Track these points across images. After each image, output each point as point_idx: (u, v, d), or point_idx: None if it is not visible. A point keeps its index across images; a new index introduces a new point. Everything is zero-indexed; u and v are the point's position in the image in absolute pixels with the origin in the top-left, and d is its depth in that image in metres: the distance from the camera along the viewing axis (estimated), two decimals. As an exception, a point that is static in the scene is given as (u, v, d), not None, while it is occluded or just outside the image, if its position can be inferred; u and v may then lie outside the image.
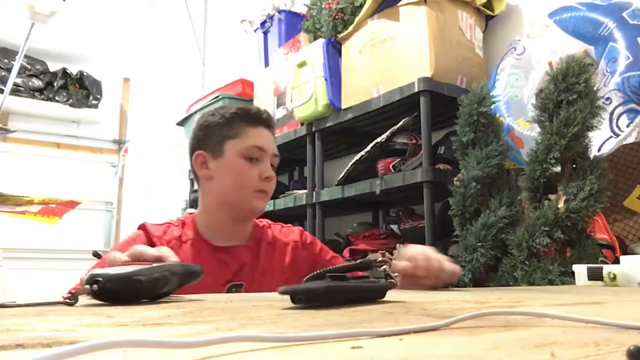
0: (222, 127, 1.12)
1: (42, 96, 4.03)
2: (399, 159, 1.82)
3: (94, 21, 3.84)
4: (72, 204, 2.65)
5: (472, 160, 1.43)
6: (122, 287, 0.55)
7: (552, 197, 1.26)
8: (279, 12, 2.59)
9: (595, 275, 1.00)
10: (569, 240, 1.25)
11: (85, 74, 4.19)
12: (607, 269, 0.98)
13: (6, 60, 3.88)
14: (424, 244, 1.51)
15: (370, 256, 0.68)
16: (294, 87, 2.19)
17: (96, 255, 0.72)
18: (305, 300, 0.49)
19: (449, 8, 1.76)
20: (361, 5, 1.93)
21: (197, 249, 1.08)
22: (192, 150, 1.16)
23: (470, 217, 1.43)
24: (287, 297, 0.52)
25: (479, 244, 1.36)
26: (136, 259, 0.70)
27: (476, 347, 0.29)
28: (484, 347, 0.28)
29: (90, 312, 0.47)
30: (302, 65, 2.16)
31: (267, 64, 2.67)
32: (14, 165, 3.92)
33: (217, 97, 2.68)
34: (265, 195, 1.11)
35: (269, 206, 2.08)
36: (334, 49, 2.09)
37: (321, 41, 2.10)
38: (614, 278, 0.96)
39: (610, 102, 1.33)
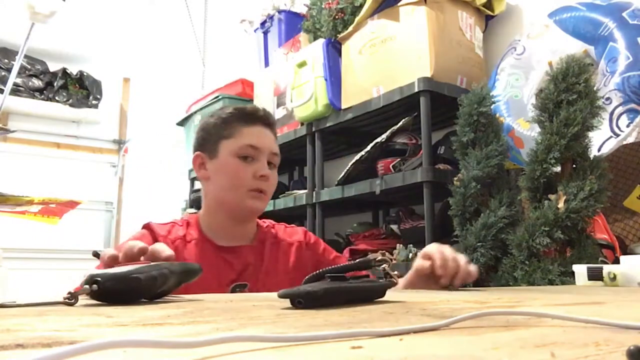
0: (218, 127, 1.13)
1: (42, 96, 4.03)
2: (399, 159, 1.82)
3: (94, 21, 3.84)
4: (72, 204, 2.65)
5: (472, 160, 1.43)
6: (121, 286, 0.55)
7: (552, 197, 1.26)
8: (279, 12, 2.59)
9: (595, 275, 1.00)
10: (569, 240, 1.25)
11: (85, 74, 4.19)
12: (607, 269, 0.98)
13: (6, 60, 3.88)
14: (424, 244, 1.51)
15: (370, 256, 0.68)
16: (294, 87, 2.19)
17: (96, 255, 0.72)
18: (304, 303, 0.49)
19: (449, 8, 1.76)
20: (361, 5, 1.93)
21: (201, 249, 1.08)
22: (194, 151, 1.17)
23: (470, 217, 1.43)
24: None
25: (479, 244, 1.36)
26: (129, 254, 0.69)
27: (476, 347, 0.29)
28: (484, 347, 0.28)
29: (90, 312, 0.47)
30: (302, 65, 2.16)
31: (267, 64, 2.67)
32: (14, 165, 3.92)
33: (217, 97, 2.68)
34: (262, 194, 1.10)
35: (269, 206, 2.08)
36: (334, 49, 2.09)
37: (321, 41, 2.11)
38: (614, 278, 0.96)
39: (610, 102, 1.33)
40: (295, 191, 2.29)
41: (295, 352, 0.27)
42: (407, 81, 1.73)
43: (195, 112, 2.84)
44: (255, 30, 2.81)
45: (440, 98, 1.70)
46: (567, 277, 1.18)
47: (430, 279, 0.92)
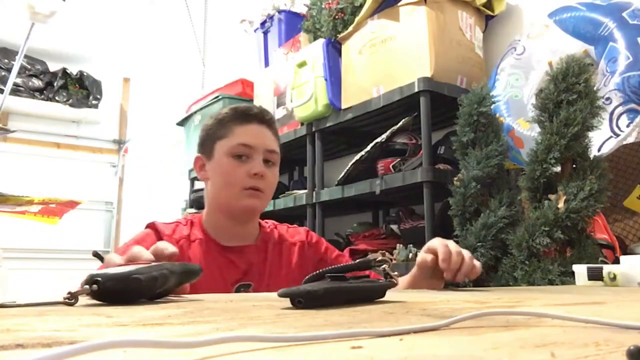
0: (214, 129, 1.14)
1: (42, 96, 4.03)
2: (399, 159, 1.82)
3: (94, 21, 3.84)
4: (72, 204, 2.65)
5: (472, 160, 1.43)
6: (121, 287, 0.55)
7: (552, 197, 1.26)
8: (279, 12, 2.59)
9: (595, 275, 1.00)
10: (569, 240, 1.25)
11: (85, 74, 4.19)
12: (607, 269, 0.98)
13: (6, 60, 3.88)
14: (424, 244, 1.51)
15: (370, 256, 0.68)
16: (294, 87, 2.19)
17: (96, 255, 0.72)
18: (304, 302, 0.49)
19: (449, 8, 1.76)
20: (361, 5, 1.93)
21: (205, 249, 1.08)
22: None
23: (470, 217, 1.43)
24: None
25: (479, 244, 1.36)
26: (133, 260, 0.69)
27: (476, 347, 0.29)
28: (484, 347, 0.28)
29: (90, 312, 0.47)
30: (302, 65, 2.16)
31: (267, 64, 2.67)
32: (14, 165, 3.92)
33: (217, 97, 2.68)
34: (258, 193, 1.08)
35: (269, 206, 2.08)
36: (334, 49, 2.09)
37: (321, 41, 2.11)
38: (614, 278, 0.96)
39: (610, 102, 1.33)
40: (295, 191, 2.29)
41: (295, 352, 0.27)
42: (407, 81, 1.73)
43: (195, 112, 2.84)
44: (255, 30, 2.81)
45: (440, 98, 1.70)
46: (567, 277, 1.18)
47: (434, 274, 0.92)
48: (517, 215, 1.39)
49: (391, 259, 0.68)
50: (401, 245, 1.80)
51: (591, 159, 1.26)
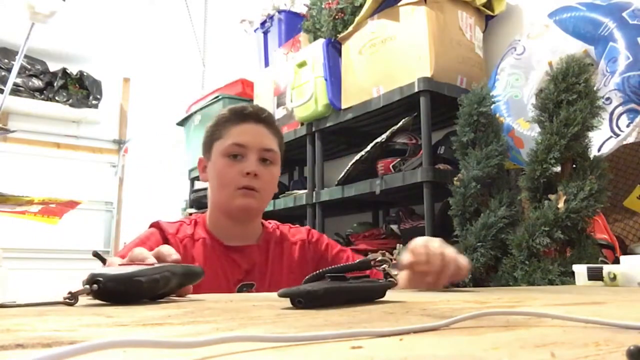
0: (212, 130, 1.14)
1: (42, 96, 4.03)
2: (399, 159, 1.82)
3: (94, 21, 3.84)
4: (72, 204, 2.65)
5: (472, 160, 1.43)
6: (122, 288, 0.55)
7: (552, 197, 1.26)
8: (279, 12, 2.59)
9: (595, 275, 1.00)
10: (569, 240, 1.25)
11: (85, 74, 4.20)
12: (607, 269, 0.98)
13: (6, 60, 3.88)
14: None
15: (370, 256, 0.68)
16: (294, 87, 2.19)
17: (96, 255, 0.72)
18: (304, 302, 0.49)
19: (449, 8, 1.76)
20: (361, 5, 1.93)
21: (209, 248, 1.08)
22: None
23: (470, 217, 1.43)
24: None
25: (479, 244, 1.36)
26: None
27: (476, 347, 0.29)
28: (484, 347, 0.28)
29: (90, 312, 0.47)
30: (302, 65, 2.16)
31: (267, 64, 2.67)
32: (14, 165, 3.92)
33: (217, 97, 2.68)
34: (252, 192, 1.08)
35: (269, 206, 2.08)
36: (334, 49, 2.09)
37: (321, 41, 2.11)
38: (614, 278, 0.96)
39: (610, 102, 1.33)
40: (295, 191, 2.29)
41: (295, 352, 0.27)
42: (407, 81, 1.73)
43: (195, 112, 2.84)
44: (255, 30, 2.81)
45: (440, 98, 1.70)
46: (567, 277, 1.18)
47: (415, 276, 0.86)
48: (517, 215, 1.39)
49: (391, 259, 0.68)
50: (401, 245, 1.80)
51: (591, 159, 1.26)
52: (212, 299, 0.66)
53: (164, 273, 0.59)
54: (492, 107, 1.49)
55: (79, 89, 4.16)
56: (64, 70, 4.12)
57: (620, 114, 1.32)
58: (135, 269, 0.57)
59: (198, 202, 2.84)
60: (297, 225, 1.23)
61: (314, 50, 2.12)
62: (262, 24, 2.70)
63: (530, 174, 1.30)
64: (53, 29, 3.11)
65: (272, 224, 1.20)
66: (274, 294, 0.55)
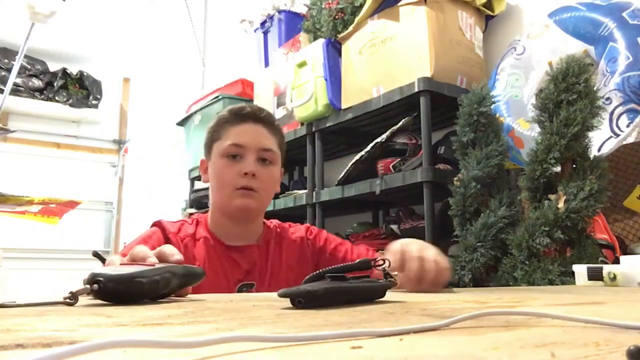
0: (212, 131, 1.15)
1: (42, 96, 4.03)
2: (399, 159, 1.82)
3: (94, 21, 3.84)
4: (72, 204, 2.65)
5: (472, 160, 1.43)
6: (122, 288, 0.55)
7: (552, 197, 1.26)
8: (279, 12, 2.59)
9: (595, 275, 1.00)
10: (569, 240, 1.25)
11: (85, 74, 4.19)
12: (607, 269, 0.98)
13: (6, 60, 3.88)
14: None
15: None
16: (294, 87, 2.19)
17: (96, 255, 0.72)
18: (304, 302, 0.49)
19: (449, 8, 1.76)
20: (361, 5, 1.93)
21: (210, 247, 1.09)
22: None
23: (470, 217, 1.43)
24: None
25: (479, 244, 1.36)
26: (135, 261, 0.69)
27: (476, 347, 0.29)
28: (484, 347, 0.28)
29: (90, 312, 0.47)
30: (302, 65, 2.16)
31: (267, 64, 2.67)
32: (14, 165, 3.92)
33: (217, 97, 2.68)
34: (251, 192, 1.07)
35: (269, 206, 2.07)
36: (334, 49, 2.09)
37: (321, 41, 2.11)
38: (614, 278, 0.96)
39: (610, 102, 1.33)
40: (295, 191, 2.29)
41: (295, 352, 0.27)
42: (407, 81, 1.72)
43: (195, 112, 2.84)
44: (255, 30, 2.81)
45: (440, 98, 1.70)
46: (567, 277, 1.18)
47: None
48: (517, 215, 1.39)
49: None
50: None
51: (591, 159, 1.26)
52: (212, 299, 0.66)
53: (165, 274, 0.59)
54: (492, 107, 1.49)
55: (79, 89, 4.16)
56: (64, 70, 4.12)
57: (620, 114, 1.32)
58: (136, 270, 0.57)
59: (198, 202, 2.84)
60: (297, 224, 1.23)
61: (314, 50, 2.12)
62: (262, 24, 2.70)
63: (530, 174, 1.30)
64: (53, 29, 3.11)
65: (273, 222, 1.20)
66: (274, 294, 0.55)
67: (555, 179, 1.29)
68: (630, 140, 1.33)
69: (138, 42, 4.13)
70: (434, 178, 1.61)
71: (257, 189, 1.08)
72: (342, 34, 2.02)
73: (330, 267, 0.60)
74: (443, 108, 1.75)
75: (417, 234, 1.78)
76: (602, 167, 1.24)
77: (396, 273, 0.65)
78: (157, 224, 1.10)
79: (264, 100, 2.44)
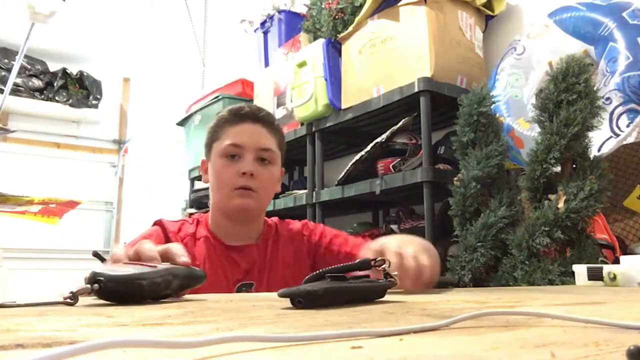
0: (211, 132, 1.15)
1: (42, 96, 4.03)
2: (399, 159, 1.82)
3: (94, 21, 3.84)
4: (72, 204, 2.65)
5: (472, 160, 1.43)
6: (123, 288, 0.55)
7: (552, 197, 1.26)
8: (279, 12, 2.59)
9: (595, 275, 1.00)
10: (569, 240, 1.25)
11: (85, 74, 4.19)
12: (607, 269, 0.98)
13: (6, 60, 3.88)
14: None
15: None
16: (294, 87, 2.19)
17: (96, 255, 0.72)
18: (304, 302, 0.49)
19: (449, 8, 1.76)
20: (361, 5, 1.93)
21: (210, 247, 1.09)
22: None
23: (470, 217, 1.43)
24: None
25: (479, 244, 1.36)
26: (140, 256, 0.68)
27: (476, 347, 0.29)
28: (484, 347, 0.28)
29: (90, 312, 0.47)
30: (302, 65, 2.16)
31: (267, 64, 2.67)
32: (14, 165, 3.92)
33: (217, 97, 2.68)
34: (249, 192, 1.07)
35: (269, 206, 2.07)
36: (334, 49, 2.09)
37: (321, 41, 2.10)
38: (614, 278, 0.96)
39: (610, 102, 1.33)
40: (295, 191, 2.29)
41: (295, 352, 0.27)
42: (407, 81, 1.72)
43: (195, 112, 2.84)
44: (255, 30, 2.81)
45: (440, 98, 1.70)
46: (567, 277, 1.18)
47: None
48: (517, 215, 1.39)
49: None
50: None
51: (591, 159, 1.26)
52: (212, 299, 0.66)
53: (167, 276, 0.59)
54: (492, 107, 1.49)
55: (79, 89, 4.16)
56: (64, 70, 4.12)
57: (620, 114, 1.32)
58: (138, 271, 0.57)
59: (198, 202, 2.84)
60: (295, 220, 1.23)
61: (314, 50, 2.12)
62: (262, 24, 2.70)
63: (530, 174, 1.30)
64: (53, 29, 3.11)
65: (274, 220, 1.20)
66: (274, 294, 0.55)
67: (555, 179, 1.29)
68: (630, 140, 1.33)
69: (138, 42, 4.13)
70: (434, 178, 1.61)
71: (256, 189, 1.08)
72: (342, 34, 2.02)
73: (330, 267, 0.60)
74: (443, 108, 1.75)
75: (417, 234, 1.77)
76: (602, 167, 1.24)
77: (396, 273, 0.65)
78: (158, 223, 1.10)
79: (264, 100, 2.44)
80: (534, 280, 1.23)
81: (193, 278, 0.66)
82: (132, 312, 0.47)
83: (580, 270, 1.03)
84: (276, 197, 2.27)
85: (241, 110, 1.13)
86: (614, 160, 1.49)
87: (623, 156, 1.51)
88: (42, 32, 2.73)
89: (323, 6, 2.13)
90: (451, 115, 1.58)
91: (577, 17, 1.51)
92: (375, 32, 1.87)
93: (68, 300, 0.53)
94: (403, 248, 0.75)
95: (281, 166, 1.18)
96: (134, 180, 4.38)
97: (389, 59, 1.82)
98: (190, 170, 2.95)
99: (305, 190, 2.19)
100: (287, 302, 0.51)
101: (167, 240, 1.03)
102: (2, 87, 3.06)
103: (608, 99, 1.33)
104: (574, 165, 1.28)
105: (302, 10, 2.47)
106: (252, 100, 2.55)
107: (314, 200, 2.10)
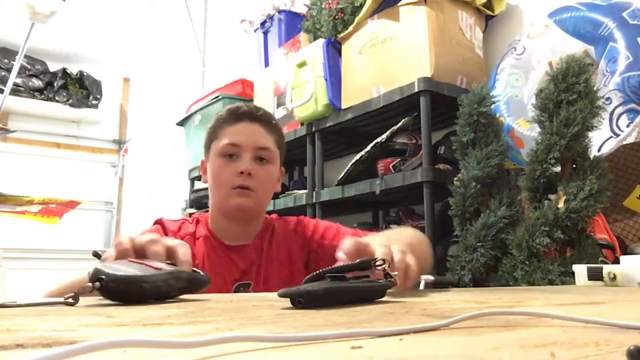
0: (210, 131, 1.15)
1: (42, 96, 4.03)
2: (399, 159, 1.82)
3: (94, 21, 3.84)
4: (72, 204, 2.65)
5: (472, 160, 1.43)
6: (123, 288, 0.55)
7: (552, 197, 1.26)
8: (279, 12, 2.59)
9: (595, 275, 1.00)
10: (569, 240, 1.25)
11: (85, 74, 4.19)
12: (607, 269, 0.98)
13: (6, 60, 3.88)
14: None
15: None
16: (294, 87, 2.19)
17: (96, 255, 0.72)
18: (304, 302, 0.49)
19: (449, 8, 1.76)
20: (361, 5, 1.93)
21: (209, 247, 1.09)
22: None
23: (470, 217, 1.43)
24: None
25: (479, 244, 1.36)
26: (145, 252, 0.68)
27: (476, 347, 0.29)
28: (484, 347, 0.28)
29: (90, 312, 0.47)
30: (302, 65, 2.16)
31: (267, 64, 2.67)
32: (14, 165, 3.92)
33: (217, 97, 2.68)
34: (247, 192, 1.07)
35: (269, 206, 2.07)
36: (334, 49, 2.09)
37: (321, 41, 2.10)
38: (614, 278, 0.96)
39: (610, 102, 1.33)
40: (295, 191, 2.29)
41: (295, 352, 0.27)
42: (407, 81, 1.72)
43: (195, 112, 2.84)
44: (255, 30, 2.81)
45: (440, 98, 1.70)
46: (567, 277, 1.18)
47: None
48: (517, 215, 1.39)
49: (391, 260, 0.67)
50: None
51: (591, 159, 1.26)
52: (212, 299, 0.66)
53: (169, 280, 0.59)
54: (492, 107, 1.49)
55: (79, 89, 4.16)
56: (64, 70, 4.12)
57: (620, 114, 1.32)
58: (141, 272, 0.57)
59: (198, 202, 2.84)
60: (290, 217, 1.22)
61: (314, 50, 2.12)
62: (262, 24, 2.70)
63: (530, 174, 1.30)
64: (53, 29, 3.11)
65: (271, 218, 1.20)
66: (274, 294, 0.55)
67: (555, 179, 1.29)
68: (630, 140, 1.33)
69: (138, 42, 4.13)
70: (434, 178, 1.61)
71: (254, 188, 1.08)
72: (342, 34, 2.02)
73: (330, 267, 0.60)
74: (443, 108, 1.75)
75: (417, 234, 1.77)
76: (602, 167, 1.24)
77: (396, 273, 0.65)
78: (159, 222, 1.11)
79: (264, 100, 2.44)
80: (534, 280, 1.23)
81: (197, 283, 0.65)
82: (132, 312, 0.47)
83: (580, 270, 1.03)
84: (276, 197, 2.27)
85: (239, 109, 1.13)
86: (614, 160, 1.49)
87: (623, 156, 1.51)
88: (42, 32, 2.73)
89: (323, 6, 2.13)
90: (451, 115, 1.58)
91: (577, 17, 1.51)
92: (375, 32, 1.87)
93: (69, 300, 0.53)
94: (408, 253, 0.70)
95: (281, 166, 1.18)
96: (134, 180, 4.38)
97: (389, 59, 1.82)
98: (190, 170, 2.95)
99: (305, 190, 2.19)
100: (287, 302, 0.51)
101: None
102: (2, 87, 3.06)
103: (608, 99, 1.33)
104: (574, 165, 1.28)
105: (302, 10, 2.47)
106: (252, 100, 2.55)
107: (314, 200, 2.10)
